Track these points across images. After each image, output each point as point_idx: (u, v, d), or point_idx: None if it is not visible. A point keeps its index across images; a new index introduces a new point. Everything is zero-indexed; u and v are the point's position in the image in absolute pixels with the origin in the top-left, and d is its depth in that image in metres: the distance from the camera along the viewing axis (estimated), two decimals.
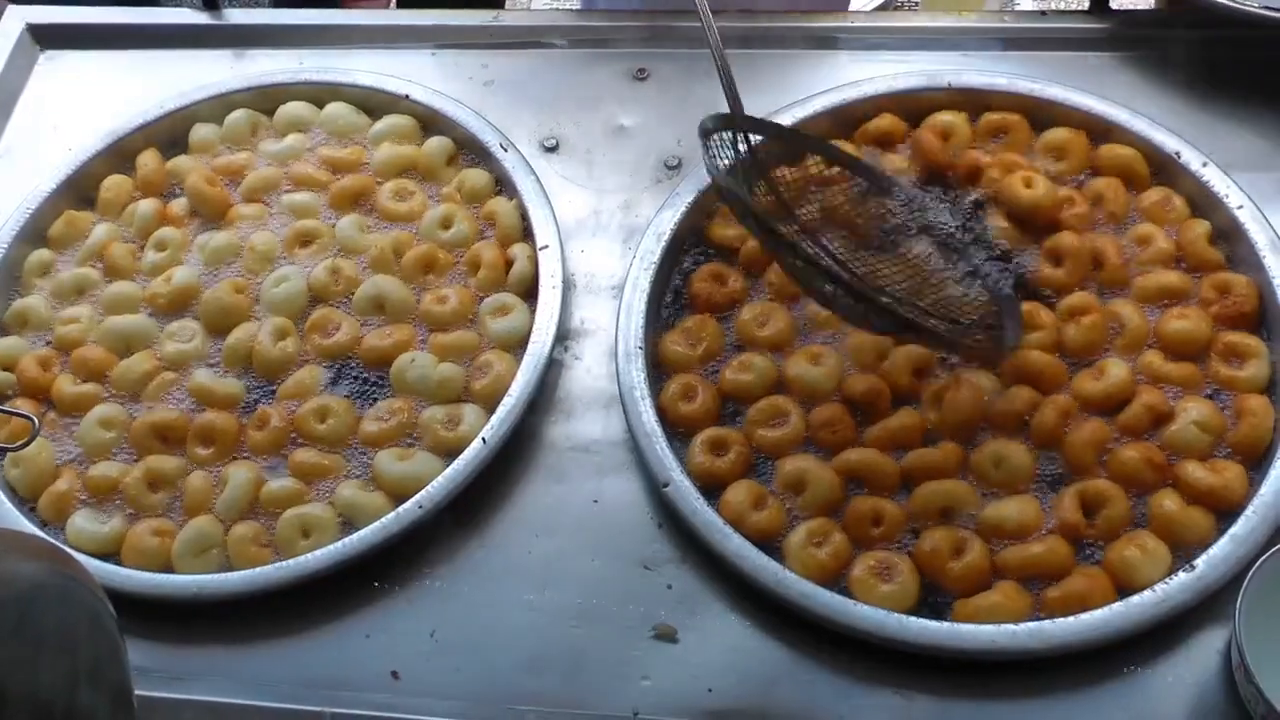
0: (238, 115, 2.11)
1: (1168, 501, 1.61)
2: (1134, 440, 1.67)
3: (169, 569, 1.71)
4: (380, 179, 2.02)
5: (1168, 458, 1.64)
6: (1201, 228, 1.81)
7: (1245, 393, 1.68)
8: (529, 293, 1.87)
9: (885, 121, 1.96)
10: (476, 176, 1.99)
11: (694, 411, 1.75)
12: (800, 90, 2.00)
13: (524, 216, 1.93)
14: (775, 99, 1.98)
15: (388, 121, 2.07)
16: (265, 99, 2.14)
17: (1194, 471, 1.62)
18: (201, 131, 2.11)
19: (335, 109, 2.10)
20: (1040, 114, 1.95)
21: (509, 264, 1.89)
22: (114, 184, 2.07)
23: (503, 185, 1.99)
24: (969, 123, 1.96)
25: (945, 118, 1.96)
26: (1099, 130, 1.92)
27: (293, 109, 2.11)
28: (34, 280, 1.99)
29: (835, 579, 1.62)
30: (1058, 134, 1.92)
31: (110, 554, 1.73)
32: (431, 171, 2.02)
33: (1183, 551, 1.58)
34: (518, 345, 1.82)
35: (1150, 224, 1.83)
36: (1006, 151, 1.91)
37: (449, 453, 1.74)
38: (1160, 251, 1.80)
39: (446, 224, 1.94)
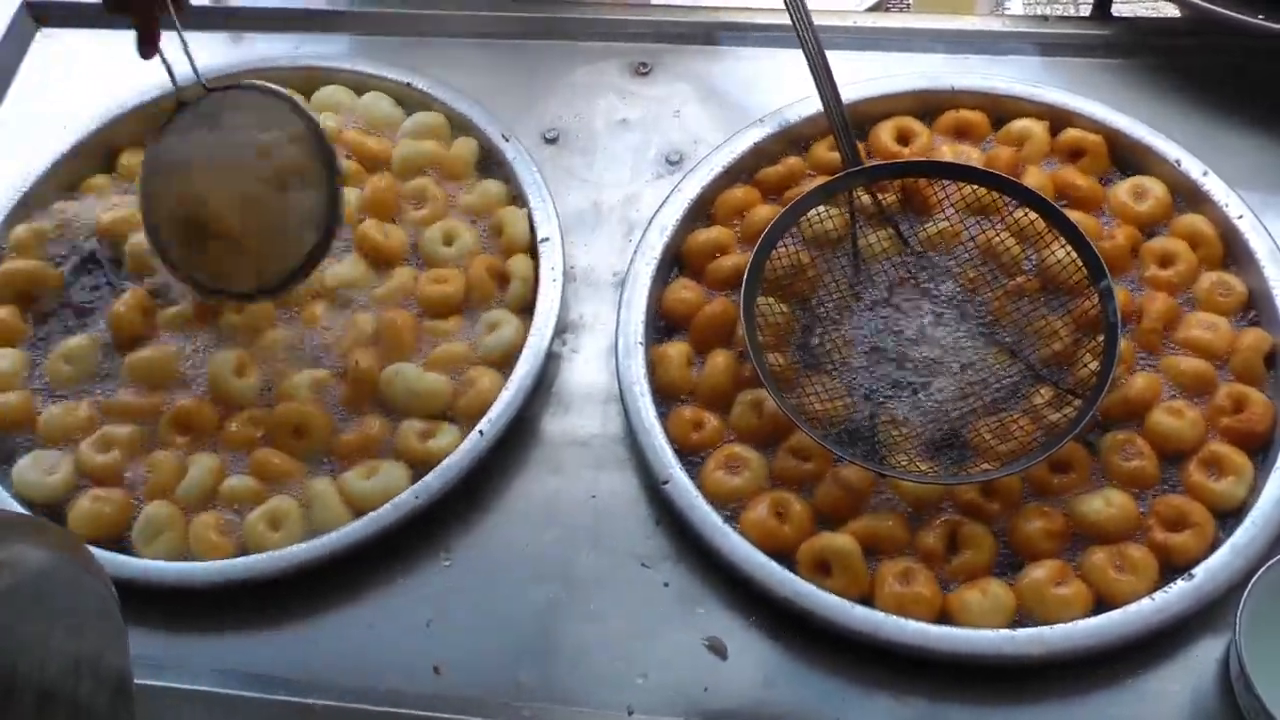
0: None
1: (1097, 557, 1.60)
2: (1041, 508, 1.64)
3: (115, 539, 1.72)
4: (401, 178, 1.98)
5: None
6: (1262, 341, 1.73)
7: (1209, 505, 1.62)
8: (525, 308, 1.85)
9: (971, 116, 1.96)
10: (493, 187, 1.96)
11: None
12: (798, 90, 1.99)
13: (531, 223, 1.90)
14: (770, 99, 1.98)
15: (417, 119, 2.04)
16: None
17: (1098, 560, 1.59)
18: None
19: (370, 99, 2.08)
20: (1046, 118, 1.95)
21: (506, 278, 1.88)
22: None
23: (509, 183, 1.97)
24: (1049, 136, 1.94)
25: (1022, 124, 1.94)
26: (1110, 141, 1.92)
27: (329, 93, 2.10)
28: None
29: (788, 548, 1.63)
30: (1143, 181, 1.89)
31: (54, 506, 1.75)
32: (455, 175, 1.99)
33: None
34: (505, 361, 1.80)
35: (1215, 314, 1.76)
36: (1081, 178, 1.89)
37: (419, 465, 1.73)
38: (1212, 341, 1.74)
39: (448, 240, 1.91)
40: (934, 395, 1.71)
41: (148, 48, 1.72)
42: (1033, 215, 1.76)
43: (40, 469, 1.77)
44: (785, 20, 2.07)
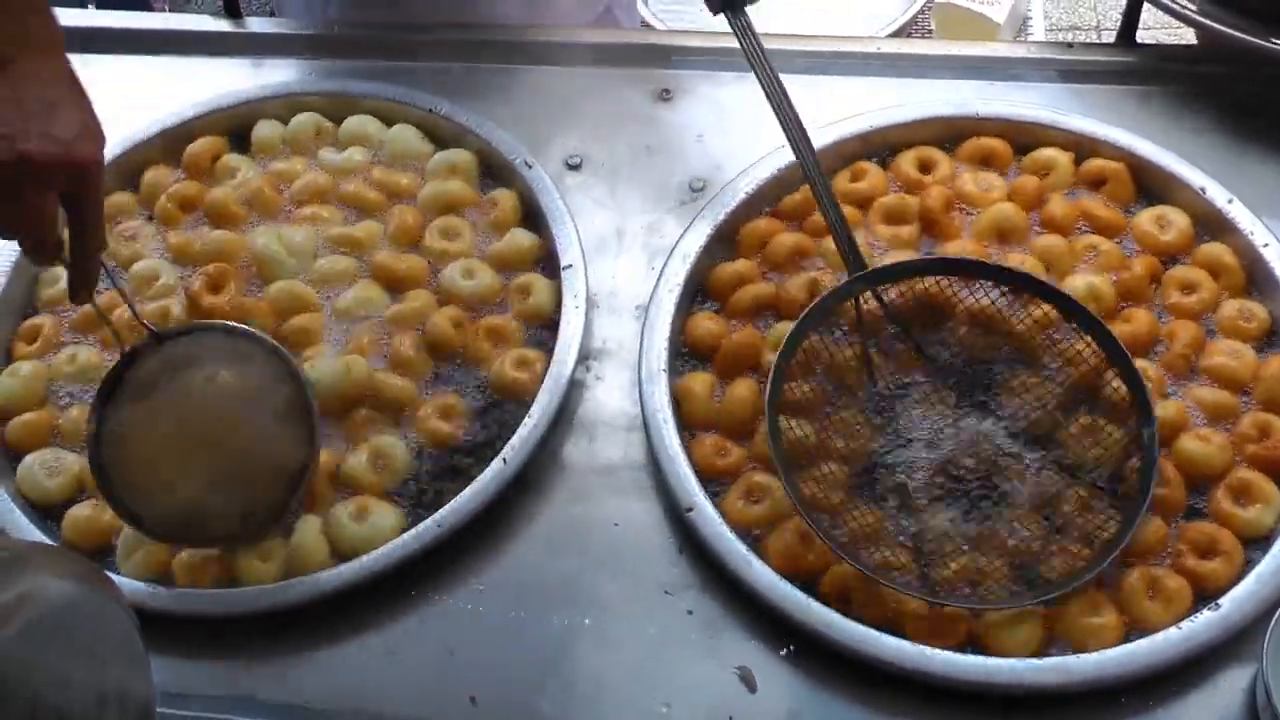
0: (304, 118, 2.10)
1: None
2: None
3: (102, 548, 1.73)
4: (427, 214, 1.98)
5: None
6: None
7: (1238, 532, 1.61)
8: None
9: (994, 144, 1.96)
10: (524, 238, 1.94)
11: None
12: (820, 116, 1.99)
13: (559, 297, 1.87)
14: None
15: (447, 155, 2.04)
16: (283, 108, 2.13)
17: (1131, 584, 1.58)
18: (264, 130, 2.09)
19: (398, 132, 2.07)
20: (1071, 146, 1.94)
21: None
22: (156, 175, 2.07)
23: (532, 214, 1.96)
24: (1073, 164, 1.93)
25: (1048, 154, 1.93)
26: (1134, 168, 1.91)
27: (357, 123, 2.09)
28: None
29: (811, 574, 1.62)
30: (1167, 211, 1.87)
31: (51, 508, 1.77)
32: (496, 225, 1.97)
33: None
34: None
35: (1238, 341, 1.75)
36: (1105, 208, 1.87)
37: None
38: (1237, 369, 1.72)
39: (468, 275, 1.90)
40: (974, 516, 1.65)
41: (83, 293, 1.63)
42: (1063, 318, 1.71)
43: (44, 470, 1.78)
44: (808, 47, 2.10)
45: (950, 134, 1.98)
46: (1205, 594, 1.57)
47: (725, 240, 1.91)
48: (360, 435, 1.77)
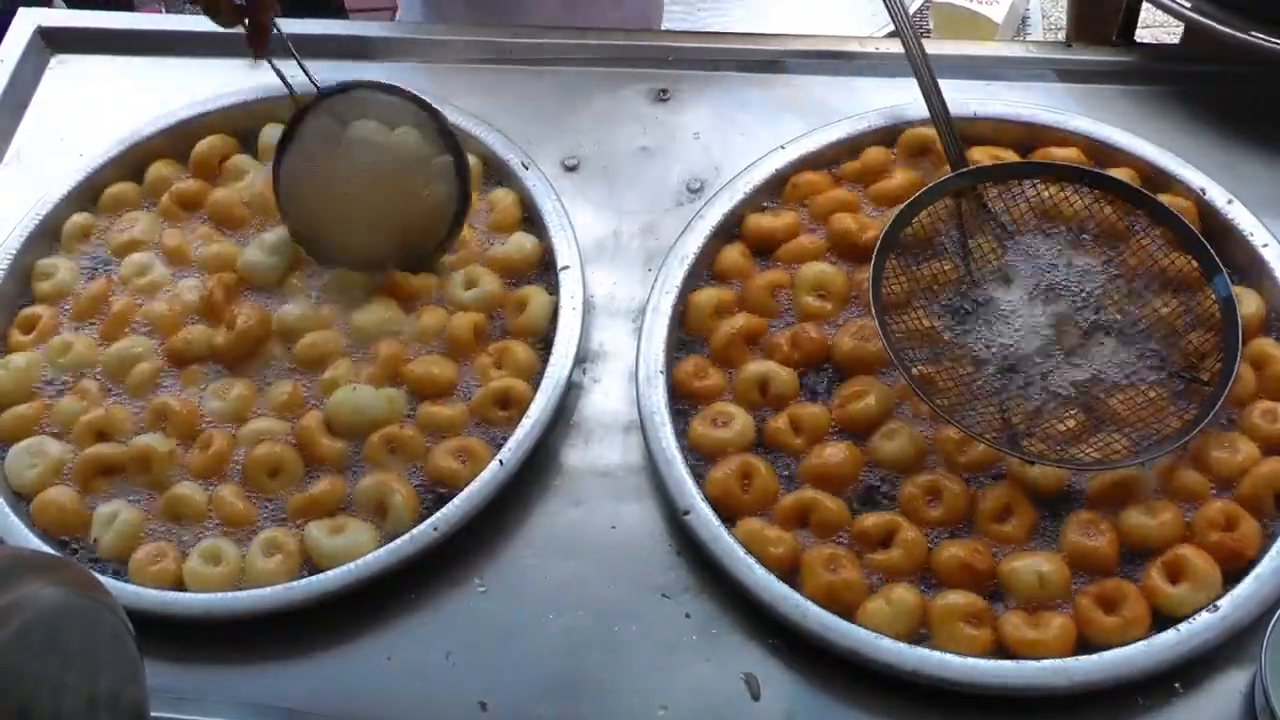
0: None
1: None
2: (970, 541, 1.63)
3: (74, 532, 1.74)
4: None
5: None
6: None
7: (1161, 606, 1.56)
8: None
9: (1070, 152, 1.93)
10: (527, 242, 1.93)
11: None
12: (818, 116, 2.00)
13: (555, 310, 1.85)
14: (791, 125, 1.99)
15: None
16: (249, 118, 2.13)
17: (1014, 623, 1.56)
18: (271, 135, 2.07)
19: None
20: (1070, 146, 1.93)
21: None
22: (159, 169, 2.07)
23: (529, 216, 1.96)
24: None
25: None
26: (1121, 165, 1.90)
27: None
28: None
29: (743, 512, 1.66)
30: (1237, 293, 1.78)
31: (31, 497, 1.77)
32: (497, 226, 1.97)
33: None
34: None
35: (1249, 441, 1.68)
36: None
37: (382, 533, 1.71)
38: (1224, 462, 1.66)
39: (470, 284, 1.89)
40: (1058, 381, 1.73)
41: (260, 46, 1.85)
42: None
43: (27, 457, 1.79)
44: (804, 47, 2.08)
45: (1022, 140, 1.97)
46: (1090, 643, 1.55)
47: (725, 239, 1.91)
48: (378, 464, 1.76)
